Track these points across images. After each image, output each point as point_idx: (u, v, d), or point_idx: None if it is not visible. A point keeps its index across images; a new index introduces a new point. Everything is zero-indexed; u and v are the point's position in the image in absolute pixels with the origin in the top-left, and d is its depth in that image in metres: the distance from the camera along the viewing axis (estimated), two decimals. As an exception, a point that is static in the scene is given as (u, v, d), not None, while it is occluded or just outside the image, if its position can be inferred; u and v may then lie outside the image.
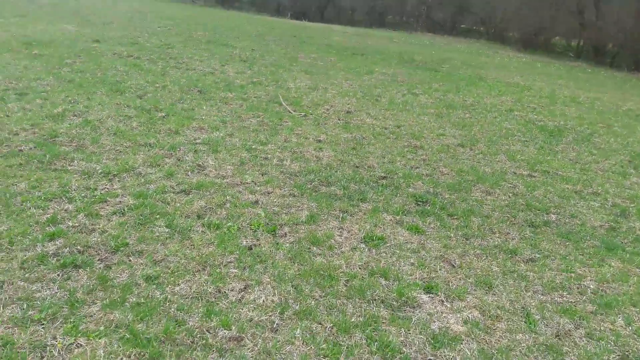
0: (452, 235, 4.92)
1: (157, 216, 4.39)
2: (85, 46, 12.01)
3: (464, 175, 6.73)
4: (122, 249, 3.82)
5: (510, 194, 6.30)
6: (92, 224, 4.14)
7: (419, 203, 5.60)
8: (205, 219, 4.49)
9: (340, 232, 4.63)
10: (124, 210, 4.43)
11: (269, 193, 5.25)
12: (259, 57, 13.60)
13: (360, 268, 4.06)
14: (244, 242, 4.19)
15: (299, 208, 4.99)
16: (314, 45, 17.54)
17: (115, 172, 5.16)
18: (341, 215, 4.96)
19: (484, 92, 12.93)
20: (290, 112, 8.79)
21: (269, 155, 6.39)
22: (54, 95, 7.64)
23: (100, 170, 5.16)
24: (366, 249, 4.37)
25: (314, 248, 4.26)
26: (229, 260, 3.88)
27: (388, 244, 4.50)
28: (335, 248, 4.32)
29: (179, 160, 5.75)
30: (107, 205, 4.50)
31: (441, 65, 16.48)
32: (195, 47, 13.83)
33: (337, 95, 10.44)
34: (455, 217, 5.37)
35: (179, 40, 14.60)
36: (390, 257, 4.28)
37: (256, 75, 11.27)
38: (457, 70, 16.11)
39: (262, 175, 5.73)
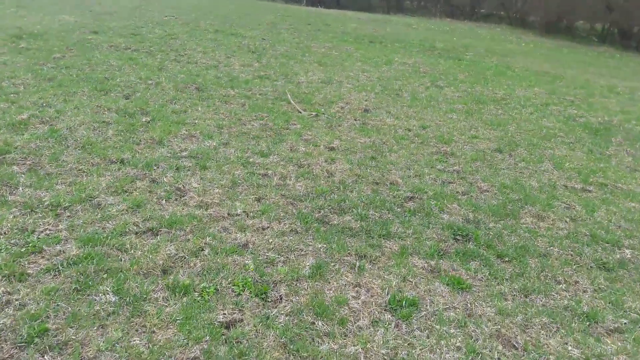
0: (506, 290, 3.56)
1: (104, 275, 3.09)
2: (80, 38, 10.72)
3: (507, 193, 5.33)
4: (36, 340, 2.52)
5: (568, 219, 4.90)
6: (9, 293, 2.84)
7: (457, 237, 4.23)
8: (172, 276, 3.17)
9: (357, 291, 3.29)
10: (60, 266, 3.13)
11: (263, 229, 3.91)
12: (269, 48, 12.20)
13: (384, 361, 2.72)
14: (220, 317, 2.87)
15: (302, 252, 3.66)
16: (329, 33, 16.06)
17: (66, 204, 3.86)
18: (358, 263, 3.61)
19: (514, 83, 11.39)
20: (299, 111, 7.42)
21: (269, 172, 5.05)
22: (25, 97, 6.36)
23: (47, 201, 3.87)
24: (393, 323, 3.03)
25: (319, 323, 2.93)
26: (192, 354, 2.56)
27: (422, 313, 3.15)
28: (350, 322, 2.98)
29: (153, 182, 4.44)
30: (42, 257, 3.21)
31: (464, 53, 14.91)
32: (201, 38, 12.47)
33: (353, 90, 9.03)
34: (507, 258, 4.00)
35: (184, 31, 13.25)
36: (428, 337, 2.93)
37: (264, 69, 9.88)
38: (482, 58, 14.53)
39: (258, 201, 4.40)
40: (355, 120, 7.35)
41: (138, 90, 7.33)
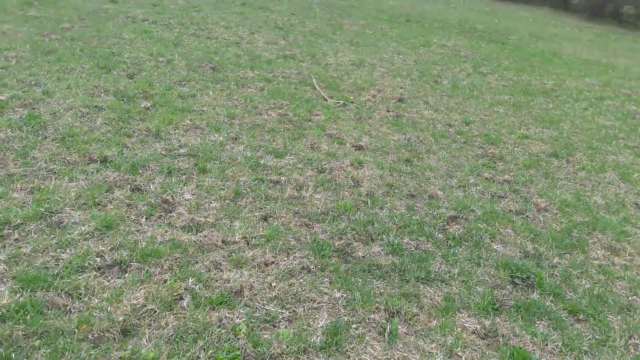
0: (589, 373, 2.51)
1: (37, 342, 2.15)
2: (96, 7, 9.77)
3: (570, 214, 4.25)
4: None
5: (651, 255, 3.79)
6: None
7: (516, 281, 3.18)
8: (132, 344, 2.22)
9: (386, 375, 2.29)
10: (-21, 324, 2.21)
11: (266, 265, 2.94)
12: (298, 24, 11.07)
13: None
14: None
15: (314, 304, 2.68)
16: (363, 10, 14.80)
17: (17, 221, 2.94)
18: (389, 326, 2.60)
19: (564, 73, 10.07)
20: (324, 99, 6.37)
21: (283, 178, 4.05)
22: (13, 73, 5.46)
23: (-5, 217, 2.94)
24: None
25: None
26: None
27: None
28: None
29: (135, 191, 3.48)
30: (-40, 306, 2.29)
31: (507, 37, 13.52)
32: (226, 11, 11.41)
33: (386, 75, 7.90)
34: (581, 315, 2.95)
35: (210, 2, 12.19)
36: None
37: (290, 47, 8.80)
38: (527, 43, 13.14)
39: (264, 220, 3.42)
40: (388, 111, 6.27)
41: (145, 69, 6.36)
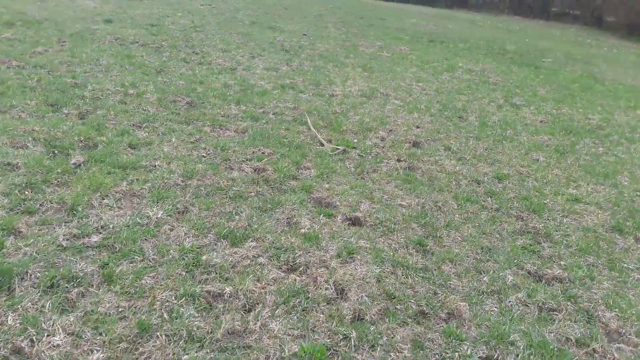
0: None
1: None
2: (84, 28, 8.61)
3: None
4: None
5: None
6: None
7: None
8: None
9: None
10: None
11: None
12: (308, 46, 9.72)
13: None
14: None
15: None
16: (382, 29, 13.39)
17: None
18: None
19: (610, 104, 8.44)
20: (321, 143, 4.97)
21: (227, 290, 2.65)
22: None
23: None
24: None
25: None
26: None
27: None
28: None
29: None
30: None
31: (541, 59, 11.91)
32: (232, 31, 10.14)
33: (401, 109, 6.45)
34: None
35: (215, 22, 10.96)
36: None
37: (292, 74, 7.44)
38: (563, 66, 11.50)
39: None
40: (399, 160, 4.83)
41: (104, 106, 5.06)
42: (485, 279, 3.16)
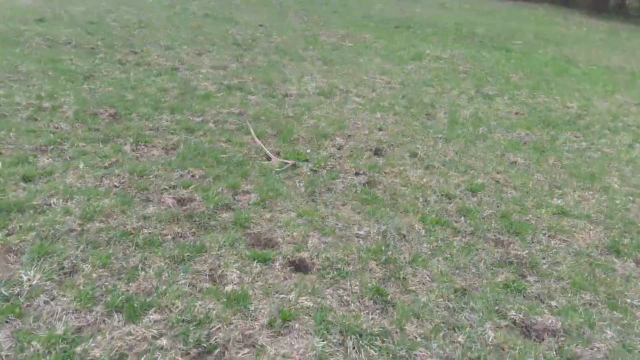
0: None
1: None
2: (10, 28, 7.60)
3: None
4: None
5: None
6: None
7: None
8: None
9: None
10: None
11: None
12: (263, 38, 8.84)
13: None
14: None
15: None
16: (347, 16, 12.54)
17: None
18: None
19: (587, 88, 7.79)
20: (268, 157, 4.17)
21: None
22: None
23: None
24: None
25: None
26: None
27: None
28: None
29: None
30: None
31: (512, 41, 11.21)
32: (181, 25, 9.19)
33: (362, 108, 5.67)
34: None
35: (164, 16, 9.98)
36: None
37: (241, 72, 6.59)
38: (534, 48, 10.83)
39: None
40: (357, 174, 4.06)
41: (5, 126, 4.17)
42: (460, 339, 2.42)
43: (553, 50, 10.78)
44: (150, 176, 3.66)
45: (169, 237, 2.97)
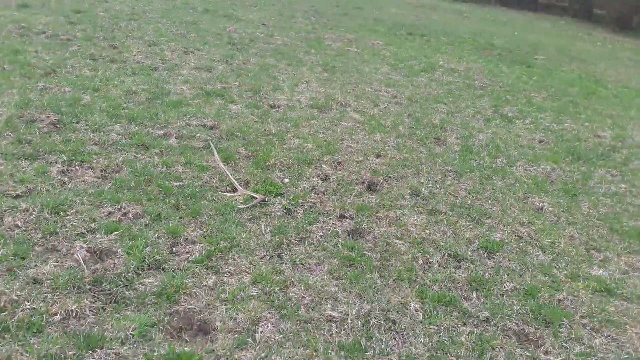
0: None
1: None
2: (-17, 14, 6.71)
3: None
4: None
5: None
6: None
7: None
8: None
9: None
10: None
11: None
12: (263, 38, 7.87)
13: None
14: None
15: None
16: (357, 19, 11.53)
17: None
18: None
19: (620, 114, 6.73)
20: (232, 189, 3.21)
21: None
22: None
23: None
24: None
25: None
26: None
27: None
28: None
29: None
30: None
31: (533, 56, 10.14)
32: (176, 20, 8.25)
33: (360, 127, 4.70)
34: None
35: (161, 8, 9.05)
36: None
37: (228, 75, 5.65)
38: (557, 64, 9.75)
39: None
40: (342, 217, 3.11)
41: None
42: None
43: (578, 67, 9.70)
44: (69, 213, 2.72)
45: (58, 317, 2.02)
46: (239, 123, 4.33)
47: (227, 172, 3.42)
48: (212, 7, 9.85)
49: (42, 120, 3.79)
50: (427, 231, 3.09)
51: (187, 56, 6.22)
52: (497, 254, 2.96)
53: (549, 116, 5.98)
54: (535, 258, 2.97)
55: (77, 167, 3.24)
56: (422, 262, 2.79)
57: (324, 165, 3.79)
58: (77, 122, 3.86)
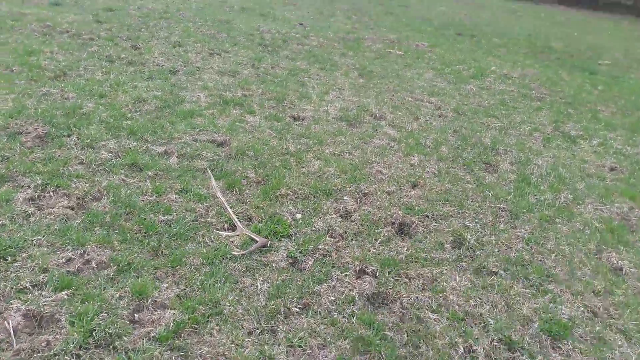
0: None
1: None
2: (12, 11, 6.38)
3: None
4: None
5: None
6: None
7: None
8: None
9: None
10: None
11: None
12: (297, 39, 7.20)
13: None
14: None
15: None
16: (403, 18, 10.67)
17: None
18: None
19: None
20: (231, 226, 2.53)
21: None
22: None
23: None
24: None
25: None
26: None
27: None
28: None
29: None
30: None
31: (597, 61, 8.99)
32: (209, 17, 7.71)
33: (395, 146, 3.95)
34: None
35: (196, 7, 8.53)
36: None
37: (253, 81, 5.03)
38: (626, 71, 8.58)
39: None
40: (362, 274, 2.40)
41: None
42: None
43: (649, 75, 8.50)
44: (19, 259, 2.13)
45: None
46: (254, 139, 3.67)
47: (226, 205, 2.76)
48: (250, 5, 9.26)
49: (29, 132, 3.25)
50: (471, 301, 2.32)
51: (212, 59, 5.62)
52: (564, 342, 2.15)
53: (620, 136, 5.01)
54: (617, 353, 2.15)
55: (50, 194, 2.66)
56: (462, 350, 2.03)
57: (346, 198, 3.07)
58: (68, 136, 3.31)
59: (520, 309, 2.32)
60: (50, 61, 4.75)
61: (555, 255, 2.78)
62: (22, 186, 2.69)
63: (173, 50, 5.66)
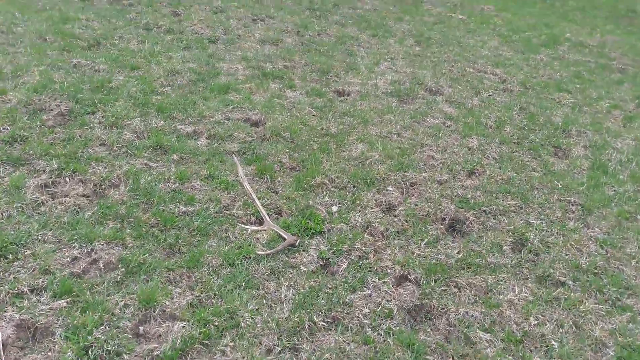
0: None
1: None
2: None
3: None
4: None
5: None
6: None
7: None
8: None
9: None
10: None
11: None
12: (350, 1, 6.73)
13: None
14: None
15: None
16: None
17: None
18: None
19: None
20: (259, 220, 2.29)
21: None
22: None
23: None
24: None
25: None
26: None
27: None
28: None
29: None
30: None
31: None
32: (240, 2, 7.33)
33: (452, 126, 3.53)
34: None
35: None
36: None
37: (296, 51, 4.73)
38: None
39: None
40: (402, 280, 2.07)
41: None
42: None
43: None
44: (20, 257, 1.98)
45: None
46: (291, 118, 3.38)
47: (254, 196, 2.50)
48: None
49: (51, 110, 3.11)
50: (532, 319, 1.96)
51: (255, 25, 5.32)
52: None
53: None
54: None
55: (65, 180, 2.50)
56: (520, 387, 1.69)
57: (390, 188, 2.73)
58: (93, 113, 3.14)
59: (592, 330, 1.94)
60: (85, 29, 4.60)
61: (637, 262, 2.35)
62: (37, 170, 2.55)
63: (214, 17, 5.40)
